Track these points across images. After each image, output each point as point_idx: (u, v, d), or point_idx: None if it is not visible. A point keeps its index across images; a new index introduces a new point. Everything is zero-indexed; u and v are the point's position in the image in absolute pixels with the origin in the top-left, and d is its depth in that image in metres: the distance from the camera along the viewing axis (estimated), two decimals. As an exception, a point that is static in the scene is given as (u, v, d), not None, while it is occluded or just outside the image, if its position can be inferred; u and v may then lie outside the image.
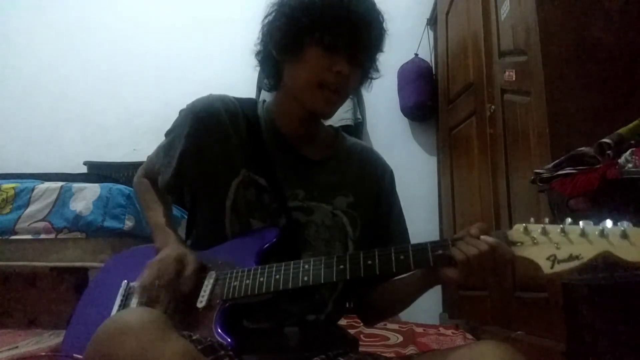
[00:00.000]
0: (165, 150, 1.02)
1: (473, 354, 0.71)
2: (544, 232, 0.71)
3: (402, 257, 0.77)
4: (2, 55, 3.52)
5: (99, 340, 0.66)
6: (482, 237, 0.74)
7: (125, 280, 0.98)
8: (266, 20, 0.95)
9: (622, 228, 0.66)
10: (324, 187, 0.96)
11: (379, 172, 1.06)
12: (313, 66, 0.89)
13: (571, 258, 0.68)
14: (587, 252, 0.67)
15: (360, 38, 0.90)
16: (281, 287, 0.81)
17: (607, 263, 0.66)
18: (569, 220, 0.71)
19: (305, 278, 0.80)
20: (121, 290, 0.96)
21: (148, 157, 1.10)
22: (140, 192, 1.10)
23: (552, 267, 0.69)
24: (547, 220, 0.73)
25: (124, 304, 0.95)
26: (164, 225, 1.00)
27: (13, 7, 3.59)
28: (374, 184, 1.04)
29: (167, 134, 1.04)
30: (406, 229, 1.06)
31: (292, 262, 0.83)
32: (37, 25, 3.55)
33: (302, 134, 0.99)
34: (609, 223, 0.67)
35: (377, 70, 1.01)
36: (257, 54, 0.99)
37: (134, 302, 0.94)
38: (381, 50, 0.97)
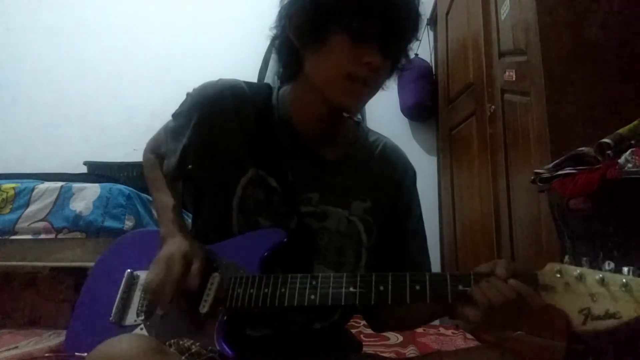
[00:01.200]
0: (172, 135, 0.97)
1: (473, 357, 0.71)
2: (580, 278, 0.61)
3: (417, 287, 0.70)
4: (1, 54, 3.52)
5: None
6: (510, 281, 0.66)
7: (129, 270, 0.94)
8: (285, 2, 0.85)
9: None
10: (340, 190, 0.90)
11: (399, 175, 0.98)
12: (339, 57, 0.79)
13: (607, 315, 0.58)
14: (628, 310, 0.57)
15: (393, 25, 0.79)
16: (286, 302, 0.76)
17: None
18: (608, 264, 0.61)
19: (312, 296, 0.75)
20: (124, 281, 0.93)
21: (157, 132, 1.04)
22: (148, 168, 1.04)
23: (584, 323, 0.59)
24: (585, 261, 0.63)
25: (128, 295, 0.92)
26: (170, 209, 0.94)
27: (13, 6, 3.59)
28: (392, 188, 0.96)
29: (174, 117, 0.99)
30: (424, 236, 1.00)
31: (299, 275, 0.77)
32: (37, 25, 3.55)
33: (320, 132, 0.91)
34: None
35: (409, 60, 0.90)
36: (274, 39, 0.89)
37: (137, 293, 0.91)
38: (417, 38, 0.85)
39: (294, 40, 0.84)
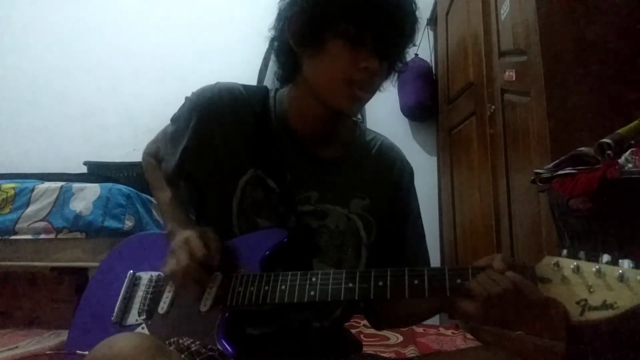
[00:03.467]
0: (170, 138, 0.98)
1: (472, 357, 0.71)
2: (577, 270, 0.62)
3: (416, 281, 0.70)
4: (1, 54, 3.52)
5: None
6: (507, 273, 0.66)
7: (131, 271, 0.95)
8: (283, 5, 0.85)
9: None
10: (338, 189, 0.90)
11: (397, 173, 0.99)
12: (337, 62, 0.79)
13: (604, 306, 0.58)
14: (625, 300, 0.57)
15: (390, 30, 0.79)
16: (286, 299, 0.76)
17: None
18: (605, 257, 0.61)
19: (312, 293, 0.75)
20: (126, 282, 0.94)
21: (155, 136, 1.05)
22: (149, 170, 1.05)
23: (581, 314, 0.60)
24: (582, 254, 0.64)
25: (130, 296, 0.93)
26: (174, 206, 0.95)
27: (13, 6, 3.59)
28: (391, 186, 0.97)
29: (173, 121, 1.00)
30: (423, 235, 1.00)
31: (299, 272, 0.78)
32: (37, 25, 3.55)
33: (317, 132, 0.91)
34: None
35: (406, 63, 0.90)
36: (272, 40, 0.89)
37: (139, 294, 0.92)
38: (414, 43, 0.86)
39: (292, 44, 0.84)
